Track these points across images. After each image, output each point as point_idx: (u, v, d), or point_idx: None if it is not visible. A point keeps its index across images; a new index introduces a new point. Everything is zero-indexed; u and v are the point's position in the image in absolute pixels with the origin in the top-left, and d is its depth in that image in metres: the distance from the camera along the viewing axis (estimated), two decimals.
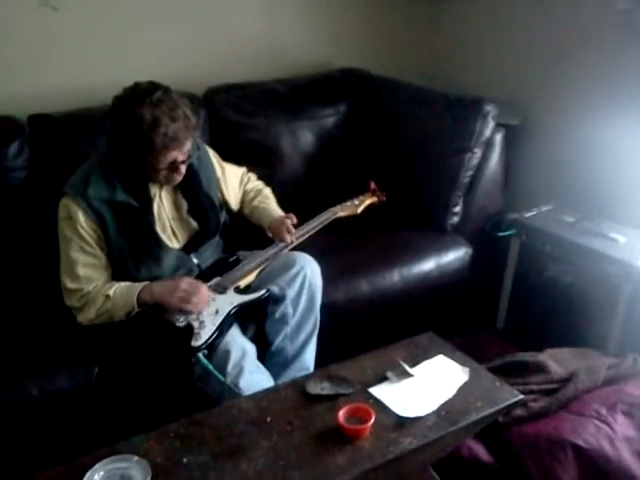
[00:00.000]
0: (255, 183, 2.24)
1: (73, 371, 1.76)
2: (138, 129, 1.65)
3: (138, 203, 1.79)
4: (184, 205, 1.93)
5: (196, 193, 1.92)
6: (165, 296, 1.75)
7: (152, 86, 1.71)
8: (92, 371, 1.77)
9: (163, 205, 1.88)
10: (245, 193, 2.20)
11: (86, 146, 2.07)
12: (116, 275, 1.83)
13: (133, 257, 1.80)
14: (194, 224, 1.94)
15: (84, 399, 1.75)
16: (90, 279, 1.77)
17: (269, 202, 2.17)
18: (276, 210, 2.13)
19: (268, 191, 2.22)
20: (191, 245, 1.94)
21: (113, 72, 2.39)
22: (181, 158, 1.74)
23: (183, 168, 1.78)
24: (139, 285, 1.78)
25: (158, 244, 1.83)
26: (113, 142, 1.77)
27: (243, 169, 2.23)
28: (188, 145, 1.76)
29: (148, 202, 1.82)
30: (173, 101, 1.70)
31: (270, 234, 2.05)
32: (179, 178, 1.81)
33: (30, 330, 1.89)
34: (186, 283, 1.77)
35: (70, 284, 1.78)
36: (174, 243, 1.90)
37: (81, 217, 1.74)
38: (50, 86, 2.31)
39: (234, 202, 2.14)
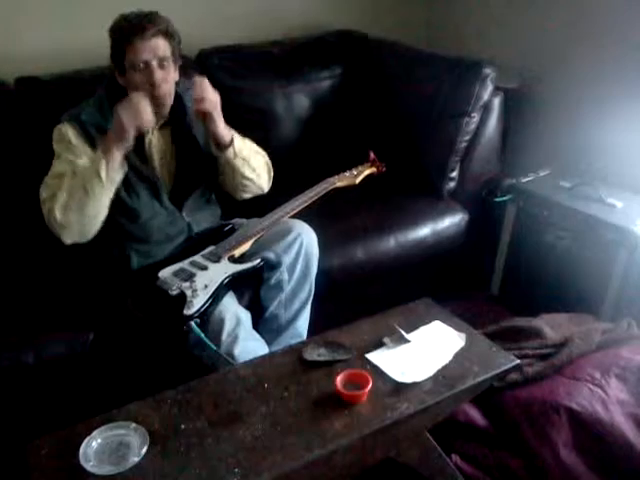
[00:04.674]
0: None
1: (69, 338, 1.75)
2: (116, 34, 1.74)
3: None
4: (173, 149, 1.91)
5: (186, 139, 1.91)
6: (119, 133, 1.67)
7: (138, 10, 1.76)
8: (88, 338, 1.76)
9: (153, 143, 1.87)
10: None
11: None
12: (113, 209, 1.77)
13: (125, 184, 1.78)
14: (182, 168, 1.92)
15: (80, 366, 1.75)
16: None
17: None
18: None
19: None
20: (179, 193, 1.91)
21: (103, 34, 2.33)
22: (154, 61, 1.73)
23: (158, 74, 1.73)
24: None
25: (149, 170, 1.84)
26: (110, 71, 1.82)
27: None
28: (161, 48, 1.73)
29: (140, 136, 1.78)
30: (151, 13, 1.75)
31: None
32: (157, 88, 1.74)
33: (25, 296, 1.87)
34: (122, 110, 1.68)
35: (45, 194, 1.73)
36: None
37: (72, 135, 1.77)
38: (38, 47, 2.26)
39: None
